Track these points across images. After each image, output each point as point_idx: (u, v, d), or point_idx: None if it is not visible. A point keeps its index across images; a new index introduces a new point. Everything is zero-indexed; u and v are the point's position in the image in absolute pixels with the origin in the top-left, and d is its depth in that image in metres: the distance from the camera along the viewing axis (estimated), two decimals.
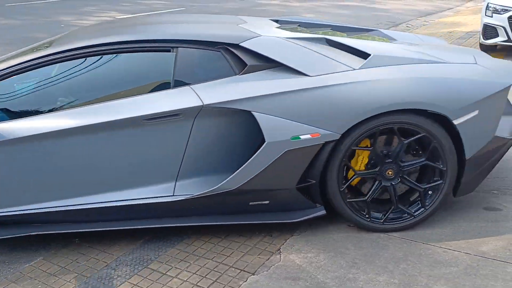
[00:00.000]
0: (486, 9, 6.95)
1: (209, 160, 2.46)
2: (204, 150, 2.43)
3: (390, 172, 2.48)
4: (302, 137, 2.29)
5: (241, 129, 2.40)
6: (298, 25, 3.37)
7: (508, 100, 2.80)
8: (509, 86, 2.50)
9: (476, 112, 2.39)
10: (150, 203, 2.42)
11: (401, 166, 2.47)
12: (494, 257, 2.32)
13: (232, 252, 2.44)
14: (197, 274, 2.28)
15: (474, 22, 9.77)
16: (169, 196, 2.43)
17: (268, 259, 2.38)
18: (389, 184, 2.49)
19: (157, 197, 2.43)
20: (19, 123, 2.34)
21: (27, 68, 2.44)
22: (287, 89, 2.31)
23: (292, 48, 2.50)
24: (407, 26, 10.38)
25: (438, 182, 2.48)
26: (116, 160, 2.41)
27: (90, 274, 2.32)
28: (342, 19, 11.14)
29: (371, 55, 2.45)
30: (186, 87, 2.38)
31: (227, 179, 2.32)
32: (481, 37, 7.00)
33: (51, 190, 2.41)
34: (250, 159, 2.30)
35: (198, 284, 2.21)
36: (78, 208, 2.41)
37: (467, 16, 11.68)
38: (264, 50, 2.44)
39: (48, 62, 2.45)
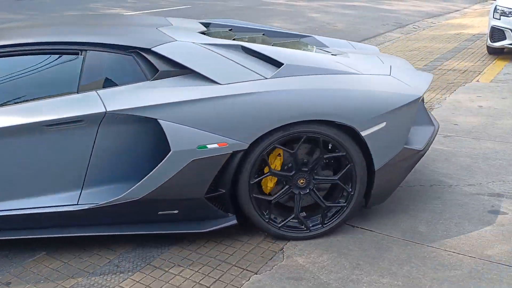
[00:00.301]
0: (494, 12, 6.93)
1: (116, 169, 2.39)
2: (111, 158, 2.36)
3: (302, 181, 2.47)
4: (209, 146, 2.24)
5: (148, 136, 2.33)
6: (230, 29, 3.30)
7: (426, 111, 2.85)
8: (418, 98, 2.50)
9: (383, 124, 2.38)
10: (53, 212, 2.33)
11: (314, 177, 2.48)
12: (499, 261, 2.30)
13: (235, 251, 2.43)
14: (199, 272, 2.27)
15: (482, 25, 9.74)
16: (73, 205, 2.35)
17: (271, 258, 2.37)
18: (297, 192, 2.48)
19: (60, 205, 2.34)
20: None
21: None
22: (195, 97, 2.26)
23: (205, 55, 2.43)
24: (414, 27, 10.36)
25: (348, 193, 2.48)
26: (17, 167, 2.31)
27: (93, 270, 2.32)
28: (348, 20, 11.13)
29: (284, 64, 2.42)
30: (92, 93, 2.30)
31: (132, 188, 2.26)
32: (489, 39, 6.98)
33: None
34: (156, 168, 2.24)
35: (200, 282, 2.21)
36: None
37: (475, 18, 11.64)
38: (176, 55, 2.37)
39: None
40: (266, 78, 2.37)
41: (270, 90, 2.32)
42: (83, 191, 2.37)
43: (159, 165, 2.23)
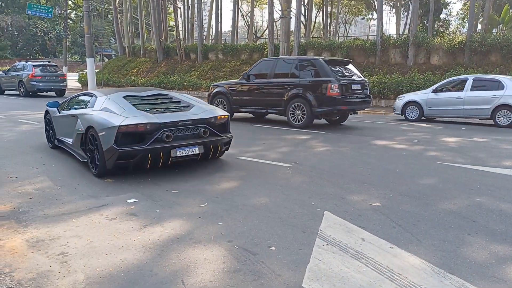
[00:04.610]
0: None
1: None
2: (69, 128, 7.37)
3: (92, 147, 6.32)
4: (79, 129, 6.65)
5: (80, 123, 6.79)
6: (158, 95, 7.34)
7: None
8: (115, 126, 5.80)
9: (103, 132, 5.89)
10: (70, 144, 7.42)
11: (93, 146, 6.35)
12: None
13: None
14: None
15: None
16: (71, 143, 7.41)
17: None
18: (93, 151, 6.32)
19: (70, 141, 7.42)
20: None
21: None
22: (85, 113, 6.73)
23: (104, 101, 6.69)
24: None
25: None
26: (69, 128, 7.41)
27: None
28: None
29: (104, 106, 6.54)
30: (90, 109, 6.92)
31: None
32: None
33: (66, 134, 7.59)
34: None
35: None
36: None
37: None
38: (107, 103, 6.59)
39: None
40: (93, 109, 6.59)
41: (94, 114, 6.37)
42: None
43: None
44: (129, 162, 5.95)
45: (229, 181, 6.01)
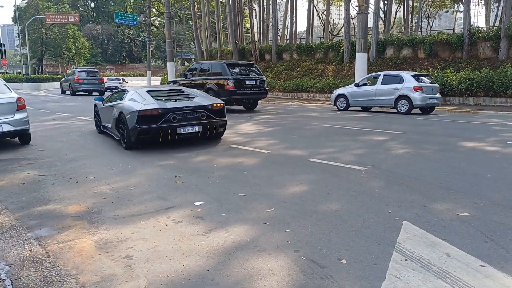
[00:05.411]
0: None
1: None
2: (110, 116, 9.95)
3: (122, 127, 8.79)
4: (115, 115, 9.13)
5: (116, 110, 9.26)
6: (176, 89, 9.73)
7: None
8: (136, 111, 8.09)
9: (129, 115, 8.25)
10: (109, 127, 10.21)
11: (123, 125, 8.72)
12: None
13: None
14: None
15: None
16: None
17: None
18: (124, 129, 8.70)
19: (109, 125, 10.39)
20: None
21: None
22: (119, 102, 9.26)
23: (133, 94, 9.12)
24: None
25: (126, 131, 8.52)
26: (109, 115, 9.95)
27: None
28: None
29: (132, 97, 9.01)
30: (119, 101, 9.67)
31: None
32: None
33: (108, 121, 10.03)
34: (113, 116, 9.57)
35: None
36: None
37: None
38: (132, 95, 9.03)
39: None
40: (124, 100, 8.95)
41: (124, 103, 8.72)
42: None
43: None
44: (146, 137, 8.15)
45: (298, 184, 5.73)
